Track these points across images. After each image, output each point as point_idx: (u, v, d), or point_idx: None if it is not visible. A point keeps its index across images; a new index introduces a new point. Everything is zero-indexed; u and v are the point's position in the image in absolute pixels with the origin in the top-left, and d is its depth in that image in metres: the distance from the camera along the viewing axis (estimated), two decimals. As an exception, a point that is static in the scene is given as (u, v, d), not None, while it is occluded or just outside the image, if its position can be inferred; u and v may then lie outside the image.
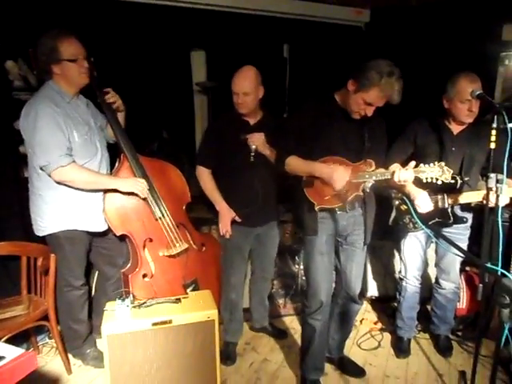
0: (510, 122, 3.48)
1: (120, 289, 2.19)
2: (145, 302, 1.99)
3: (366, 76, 1.79)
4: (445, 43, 3.33)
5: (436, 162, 1.89)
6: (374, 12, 3.64)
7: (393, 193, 1.63)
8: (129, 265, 2.31)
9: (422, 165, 1.89)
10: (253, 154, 2.27)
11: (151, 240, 2.24)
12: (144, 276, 2.22)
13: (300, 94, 3.60)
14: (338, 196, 1.92)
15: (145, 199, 2.18)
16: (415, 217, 1.49)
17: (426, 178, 1.89)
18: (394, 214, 2.42)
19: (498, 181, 1.80)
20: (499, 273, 1.20)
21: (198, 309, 1.99)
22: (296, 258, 3.26)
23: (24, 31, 2.40)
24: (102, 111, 2.25)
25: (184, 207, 2.42)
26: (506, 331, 1.99)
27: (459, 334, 2.71)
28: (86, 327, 2.32)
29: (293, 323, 2.89)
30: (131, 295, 2.00)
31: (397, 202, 1.60)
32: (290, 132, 2.04)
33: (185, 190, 2.43)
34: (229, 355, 2.48)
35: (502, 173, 1.75)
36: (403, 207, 1.56)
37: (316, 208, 1.98)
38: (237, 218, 2.33)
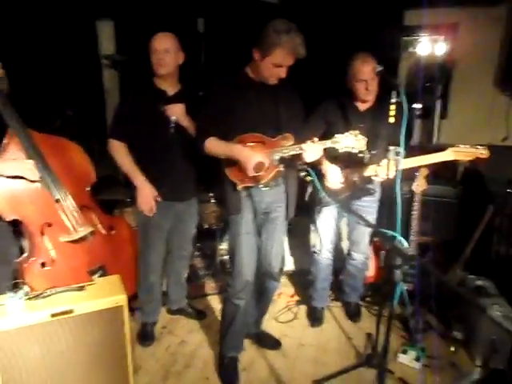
0: (414, 103, 3.76)
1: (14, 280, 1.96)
2: (42, 293, 1.80)
3: (266, 40, 1.78)
4: (352, 26, 3.45)
5: (351, 131, 1.92)
6: (289, -11, 3.65)
7: (299, 164, 1.65)
8: (25, 254, 2.07)
9: (336, 135, 1.92)
10: (173, 125, 2.16)
11: (50, 225, 2.02)
12: (43, 265, 2.01)
13: (216, 69, 3.51)
14: (260, 174, 1.88)
15: (39, 181, 1.95)
16: (318, 186, 1.51)
17: (342, 148, 1.92)
18: (309, 190, 2.49)
19: (396, 153, 1.92)
20: (392, 237, 1.27)
21: (105, 295, 1.84)
22: (216, 237, 3.22)
23: None
24: None
25: (88, 188, 2.21)
26: (404, 292, 2.17)
27: (368, 299, 2.90)
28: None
29: (212, 302, 2.87)
30: (26, 286, 1.80)
31: (302, 174, 1.61)
32: (206, 113, 1.97)
33: (88, 170, 2.22)
34: (146, 336, 2.41)
35: (400, 145, 1.86)
36: (308, 178, 1.58)
37: (238, 187, 1.94)
38: (157, 197, 2.21)
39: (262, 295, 2.33)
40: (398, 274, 1.24)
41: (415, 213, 2.72)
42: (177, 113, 2.15)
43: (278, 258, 2.22)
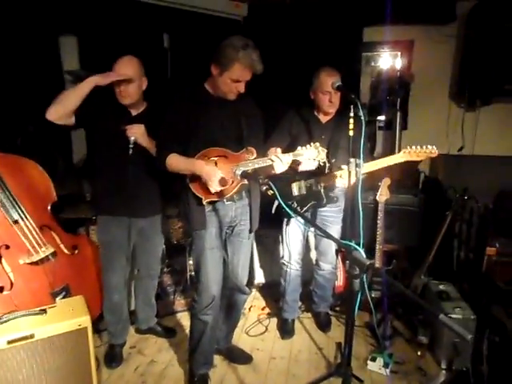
0: (376, 116, 3.89)
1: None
2: (-1, 318, 1.73)
3: (223, 56, 1.82)
4: (314, 41, 3.58)
5: (312, 144, 1.98)
6: (252, 7, 3.73)
7: (260, 178, 1.67)
8: (-18, 278, 1.99)
9: (299, 147, 1.97)
10: (131, 145, 2.12)
11: (7, 247, 1.95)
12: (1, 289, 1.94)
13: (182, 84, 3.52)
14: (224, 188, 1.89)
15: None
16: (280, 201, 1.54)
17: (305, 160, 1.98)
18: (276, 203, 2.52)
19: (356, 165, 1.99)
20: (349, 247, 1.31)
21: (67, 318, 1.79)
22: (185, 253, 3.19)
23: None
24: None
25: (49, 207, 2.16)
26: (369, 300, 2.22)
27: (337, 309, 2.94)
28: None
29: (182, 320, 2.83)
30: (-19, 313, 1.73)
31: (264, 188, 1.64)
32: (167, 128, 1.96)
33: (48, 188, 2.17)
34: (114, 357, 2.35)
35: (359, 158, 1.93)
36: (270, 192, 1.60)
37: (204, 202, 1.94)
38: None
39: (230, 309, 2.32)
40: (356, 283, 1.28)
41: (379, 221, 2.81)
42: (136, 133, 2.11)
43: (244, 270, 2.22)
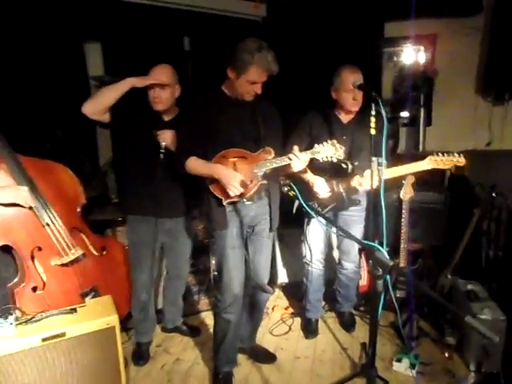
0: (399, 112, 3.83)
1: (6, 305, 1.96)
2: (33, 317, 1.81)
3: (239, 59, 1.85)
4: (334, 38, 3.54)
5: (328, 141, 1.98)
6: (270, 7, 3.74)
7: (281, 180, 1.68)
8: (16, 279, 2.07)
9: (316, 145, 1.98)
10: (162, 150, 2.19)
11: (40, 249, 2.03)
12: (34, 289, 2.01)
13: (203, 87, 3.57)
14: (244, 188, 1.91)
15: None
16: (301, 201, 1.55)
17: (322, 158, 1.99)
18: (296, 203, 2.51)
19: (379, 164, 1.96)
20: (372, 248, 1.30)
21: (96, 317, 1.86)
22: (208, 253, 3.23)
23: None
24: None
25: (78, 210, 2.23)
26: (394, 299, 2.19)
27: (361, 309, 2.91)
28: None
29: (206, 319, 2.87)
30: (17, 311, 1.81)
31: (285, 189, 1.65)
32: (186, 132, 2.01)
33: (77, 191, 2.23)
34: (141, 355, 2.41)
35: (382, 156, 1.91)
36: (291, 193, 1.61)
37: (224, 203, 1.97)
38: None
39: (253, 308, 2.34)
40: (379, 284, 1.27)
41: (404, 220, 2.76)
42: (167, 139, 2.17)
43: (265, 269, 2.24)
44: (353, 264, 2.69)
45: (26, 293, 1.99)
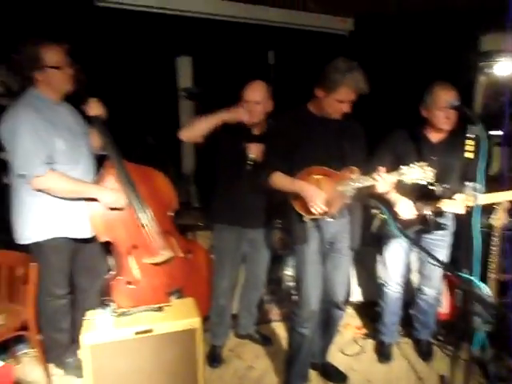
0: (490, 129, 3.58)
1: (102, 296, 2.17)
2: (127, 311, 1.98)
3: (329, 80, 1.87)
4: (424, 52, 3.41)
5: (416, 163, 1.92)
6: (358, 20, 3.71)
7: (372, 202, 1.66)
8: (113, 272, 2.29)
9: (403, 167, 1.92)
10: (250, 162, 2.29)
11: (136, 247, 2.23)
12: (128, 283, 2.21)
13: (284, 100, 3.64)
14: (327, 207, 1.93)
15: (129, 205, 2.18)
16: (393, 226, 1.51)
17: (409, 181, 1.92)
18: (377, 222, 2.46)
19: (474, 189, 1.86)
20: (470, 281, 1.23)
21: (181, 317, 1.98)
22: (282, 263, 3.27)
23: (7, 37, 2.38)
24: (86, 117, 2.24)
25: (170, 214, 2.42)
26: (482, 335, 2.04)
27: (440, 338, 2.74)
28: (68, 336, 2.28)
29: (278, 329, 2.90)
30: (113, 303, 1.99)
31: (375, 211, 1.62)
32: (273, 147, 2.08)
33: (171, 197, 2.43)
34: (215, 358, 2.51)
35: (477, 181, 1.80)
36: (382, 216, 1.58)
37: (305, 219, 2.00)
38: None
39: (327, 324, 2.32)
40: (477, 321, 1.20)
41: (494, 248, 2.55)
42: (256, 152, 2.27)
43: (342, 287, 2.22)
44: (434, 290, 2.55)
45: (121, 286, 2.19)
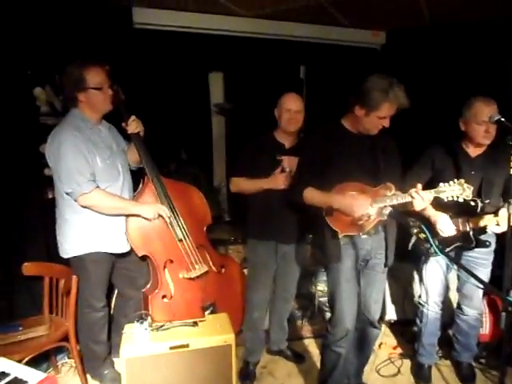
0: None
1: (139, 310, 2.21)
2: (163, 325, 2.01)
3: (371, 98, 1.85)
4: (460, 64, 3.32)
5: (455, 180, 1.88)
6: (390, 34, 3.68)
7: (411, 221, 1.62)
8: (149, 285, 2.34)
9: (441, 184, 1.89)
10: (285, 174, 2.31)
11: (172, 261, 2.27)
12: (163, 297, 2.25)
13: (316, 114, 3.64)
14: (361, 222, 1.90)
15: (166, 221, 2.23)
16: (433, 246, 1.47)
17: (447, 198, 1.89)
18: (413, 239, 2.39)
19: (517, 207, 1.78)
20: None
21: (215, 333, 1.99)
22: (313, 279, 3.24)
23: (52, 59, 2.52)
24: (124, 134, 2.33)
25: (204, 229, 2.46)
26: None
27: (482, 361, 2.62)
28: (105, 348, 2.34)
29: (310, 346, 2.85)
30: (149, 317, 2.02)
31: (415, 230, 1.59)
32: (305, 163, 2.08)
33: (206, 212, 2.48)
34: (248, 375, 2.49)
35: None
36: (422, 235, 1.55)
37: (340, 235, 1.97)
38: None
39: (362, 343, 2.27)
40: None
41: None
42: (291, 165, 2.29)
43: (377, 304, 2.17)
44: (475, 311, 2.45)
45: (157, 300, 2.23)
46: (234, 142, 3.93)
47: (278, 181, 2.30)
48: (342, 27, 3.61)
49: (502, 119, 1.92)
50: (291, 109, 2.32)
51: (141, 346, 1.90)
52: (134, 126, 2.27)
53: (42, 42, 2.54)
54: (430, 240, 1.52)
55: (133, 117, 2.30)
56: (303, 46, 3.70)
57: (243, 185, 2.42)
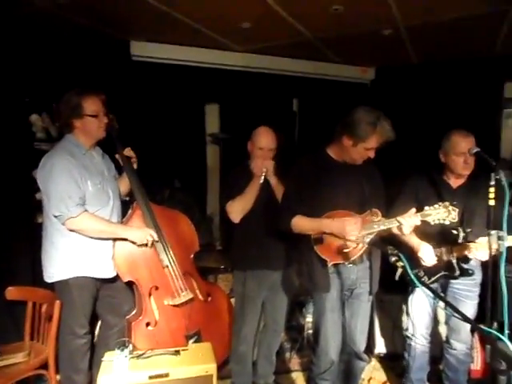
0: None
1: (123, 337, 2.18)
2: (143, 353, 1.98)
3: (359, 129, 1.90)
4: (445, 100, 3.45)
5: (440, 203, 1.91)
6: (379, 70, 3.83)
7: (389, 249, 1.64)
8: (133, 312, 2.31)
9: (426, 207, 1.92)
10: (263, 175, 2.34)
11: (157, 288, 2.26)
12: (147, 324, 2.23)
13: (309, 146, 3.72)
14: (350, 250, 1.92)
15: (153, 247, 2.24)
16: (411, 275, 1.48)
17: (434, 221, 1.91)
18: (400, 270, 2.39)
19: (499, 238, 1.80)
20: (495, 337, 1.18)
21: (197, 362, 1.95)
22: (303, 310, 3.19)
23: (50, 89, 2.61)
24: (117, 164, 2.38)
25: (192, 256, 2.46)
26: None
27: (473, 397, 2.55)
28: (86, 378, 2.28)
29: (298, 380, 2.78)
30: (131, 345, 1.99)
31: (393, 259, 1.60)
32: (291, 192, 2.10)
33: (194, 239, 2.49)
34: None
35: (502, 229, 1.75)
36: (399, 264, 1.56)
37: (329, 264, 1.98)
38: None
39: (348, 376, 2.22)
40: (502, 380, 1.13)
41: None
42: (267, 166, 2.33)
43: (362, 335, 2.15)
44: (464, 345, 2.40)
45: (141, 327, 2.20)
46: (227, 171, 3.99)
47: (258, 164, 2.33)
48: (332, 63, 3.77)
49: (481, 151, 1.98)
50: (263, 147, 2.35)
51: (119, 375, 1.85)
52: (128, 153, 2.35)
53: (42, 72, 2.65)
54: (408, 269, 1.53)
55: (127, 148, 2.37)
56: (296, 80, 3.84)
57: (235, 203, 2.38)
